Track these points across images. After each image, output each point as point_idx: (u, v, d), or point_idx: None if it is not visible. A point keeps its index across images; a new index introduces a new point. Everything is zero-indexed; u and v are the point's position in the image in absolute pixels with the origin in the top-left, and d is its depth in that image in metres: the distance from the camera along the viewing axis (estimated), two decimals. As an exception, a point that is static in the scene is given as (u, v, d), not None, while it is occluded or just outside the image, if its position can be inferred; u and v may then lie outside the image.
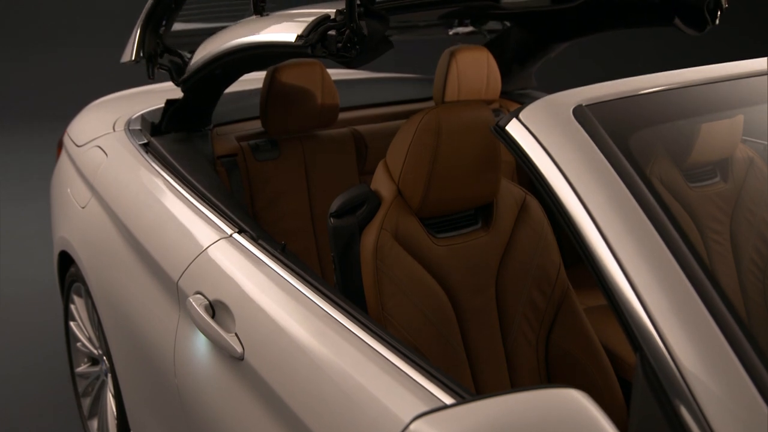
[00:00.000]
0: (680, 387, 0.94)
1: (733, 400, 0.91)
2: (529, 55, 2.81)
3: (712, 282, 0.99)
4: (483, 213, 1.80)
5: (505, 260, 1.77)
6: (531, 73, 2.91)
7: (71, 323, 2.72)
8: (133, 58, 2.30)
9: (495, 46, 2.87)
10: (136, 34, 2.28)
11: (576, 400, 0.89)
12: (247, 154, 2.40)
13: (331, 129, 2.56)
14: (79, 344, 2.68)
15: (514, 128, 1.23)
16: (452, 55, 2.64)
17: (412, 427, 0.92)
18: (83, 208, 2.42)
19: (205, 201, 1.95)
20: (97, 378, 2.63)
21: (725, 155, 1.59)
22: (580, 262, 2.69)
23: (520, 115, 1.23)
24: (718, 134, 1.56)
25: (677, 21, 2.19)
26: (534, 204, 1.84)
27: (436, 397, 1.17)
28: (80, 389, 2.74)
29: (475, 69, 2.65)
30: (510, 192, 1.82)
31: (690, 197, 1.43)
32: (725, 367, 0.93)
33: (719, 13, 2.14)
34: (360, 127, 2.61)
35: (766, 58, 1.40)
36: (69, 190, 2.59)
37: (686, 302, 0.98)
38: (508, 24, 2.90)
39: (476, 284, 1.74)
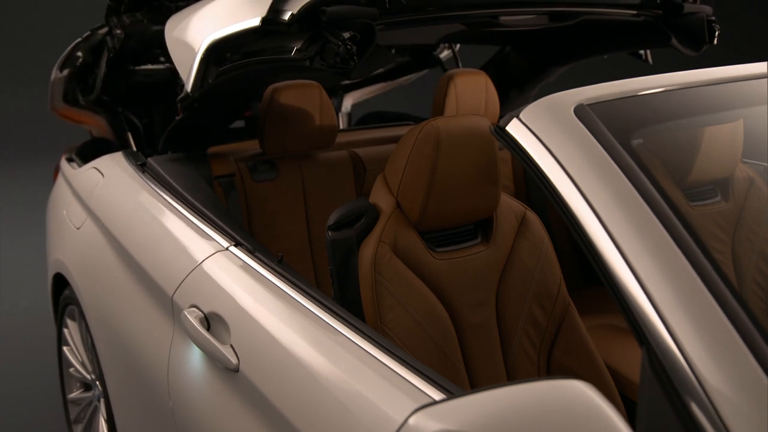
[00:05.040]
0: (689, 380, 0.91)
1: (744, 392, 0.88)
2: (528, 79, 2.82)
3: (719, 274, 0.97)
4: (482, 227, 1.78)
5: (505, 275, 1.75)
6: (530, 98, 2.92)
7: (64, 348, 2.68)
8: (190, 92, 1.99)
9: (493, 70, 2.88)
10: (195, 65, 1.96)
11: (580, 390, 0.86)
12: (244, 174, 2.39)
13: (329, 151, 2.55)
14: (72, 370, 2.64)
15: (514, 128, 1.22)
16: (451, 78, 2.65)
17: (410, 421, 0.88)
18: (78, 229, 2.39)
19: (201, 216, 1.93)
20: (90, 404, 2.58)
21: (725, 174, 1.58)
22: (584, 286, 2.67)
23: (521, 115, 1.22)
24: (719, 152, 1.55)
25: (674, 41, 2.20)
26: (534, 219, 1.82)
27: (433, 399, 1.13)
28: (72, 416, 2.69)
29: (473, 93, 2.66)
30: (510, 207, 1.81)
31: (691, 216, 1.42)
32: (736, 359, 0.90)
33: (716, 32, 2.15)
34: (358, 150, 2.61)
35: (766, 63, 1.40)
36: (64, 212, 2.57)
37: (694, 294, 0.95)
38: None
39: (476, 299, 1.71)
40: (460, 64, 3.38)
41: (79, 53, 2.99)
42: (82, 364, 2.56)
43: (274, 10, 1.71)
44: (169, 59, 3.15)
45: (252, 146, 2.50)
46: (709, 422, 0.88)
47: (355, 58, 1.65)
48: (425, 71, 3.59)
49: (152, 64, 3.21)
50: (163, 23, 2.70)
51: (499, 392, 0.87)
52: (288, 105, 2.34)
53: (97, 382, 2.42)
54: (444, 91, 2.65)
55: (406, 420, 0.90)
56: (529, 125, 1.20)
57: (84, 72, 3.03)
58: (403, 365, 1.23)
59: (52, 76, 3.10)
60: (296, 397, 1.34)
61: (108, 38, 2.91)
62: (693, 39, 2.18)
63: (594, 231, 1.06)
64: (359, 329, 1.36)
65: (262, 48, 1.86)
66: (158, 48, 3.11)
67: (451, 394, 1.13)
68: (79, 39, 3.01)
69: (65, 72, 3.01)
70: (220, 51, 1.92)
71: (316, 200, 2.49)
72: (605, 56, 2.58)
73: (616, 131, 1.16)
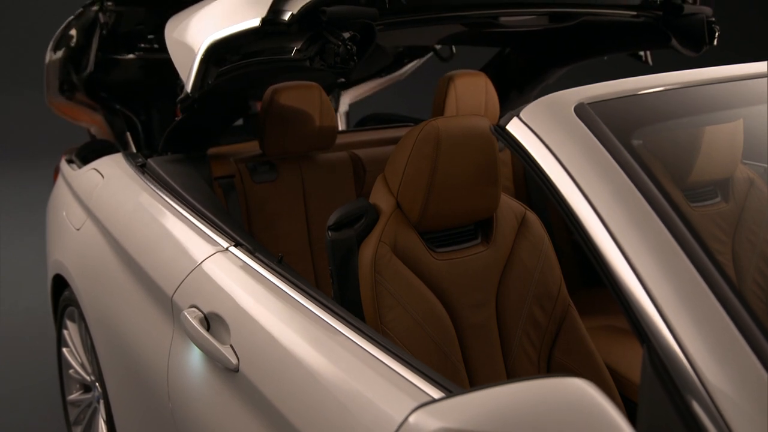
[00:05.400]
0: (691, 378, 0.90)
1: (746, 390, 0.87)
2: (528, 81, 2.82)
3: (720, 272, 0.97)
4: (482, 228, 1.78)
5: (505, 276, 1.75)
6: (530, 99, 2.91)
7: (64, 350, 2.68)
8: (190, 92, 1.98)
9: (493, 72, 2.88)
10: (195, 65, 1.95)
11: (581, 388, 0.86)
12: (244, 175, 2.39)
13: (329, 152, 2.55)
14: (71, 371, 2.63)
15: (514, 127, 1.22)
16: (451, 80, 2.65)
17: (411, 419, 0.88)
18: (78, 230, 2.39)
19: (201, 217, 1.93)
20: (89, 405, 2.57)
21: (725, 175, 1.58)
22: (584, 288, 2.66)
23: (521, 114, 1.22)
24: (719, 153, 1.55)
25: (674, 42, 2.20)
26: (534, 220, 1.82)
27: (433, 398, 1.13)
28: (72, 418, 2.69)
29: (473, 94, 2.66)
30: (510, 207, 1.81)
31: (691, 214, 1.42)
32: (737, 357, 0.90)
33: (716, 33, 2.15)
34: (358, 151, 2.60)
35: (766, 62, 1.40)
36: (64, 213, 2.57)
37: (695, 292, 0.95)
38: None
39: (476, 300, 1.71)
40: (454, 49, 3.37)
41: (72, 32, 2.96)
42: (82, 366, 2.56)
43: (274, 11, 1.71)
44: (163, 45, 3.14)
45: (252, 147, 2.50)
46: (711, 421, 0.88)
47: (355, 58, 1.65)
48: (421, 63, 3.57)
49: (146, 53, 3.18)
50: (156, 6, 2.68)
51: (500, 390, 0.87)
52: (288, 106, 2.34)
53: (97, 384, 2.41)
54: (444, 93, 2.65)
55: (406, 418, 0.90)
56: (529, 124, 1.20)
57: (78, 55, 3.00)
58: (402, 364, 1.23)
59: (47, 59, 3.06)
60: (296, 397, 1.34)
61: (100, 14, 2.89)
62: (693, 40, 2.18)
63: (594, 229, 1.06)
64: (359, 329, 1.36)
65: (262, 48, 1.85)
66: (151, 33, 3.09)
67: (450, 393, 1.13)
68: (72, 17, 2.99)
69: (59, 53, 2.98)
70: (220, 51, 1.92)
71: (316, 201, 2.49)
72: (605, 57, 2.58)
73: (616, 130, 1.16)
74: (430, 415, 0.86)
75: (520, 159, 1.20)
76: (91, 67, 2.97)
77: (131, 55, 3.15)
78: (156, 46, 3.18)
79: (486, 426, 0.83)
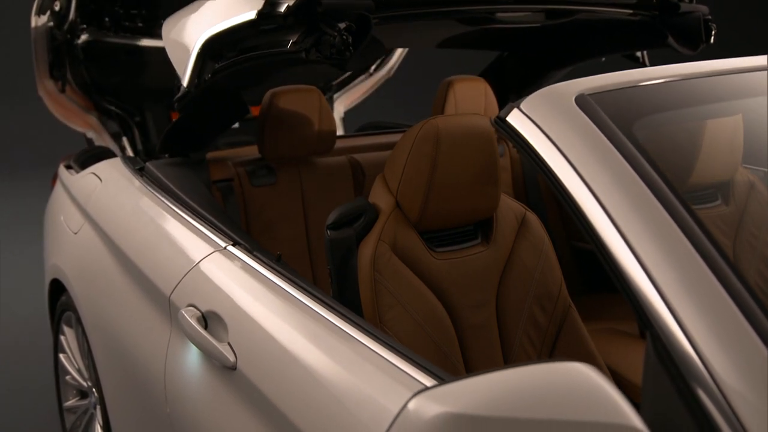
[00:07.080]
0: (695, 365, 0.89)
1: (752, 375, 0.86)
2: (527, 85, 2.82)
3: (723, 257, 0.96)
4: (482, 228, 1.77)
5: (505, 276, 1.74)
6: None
7: (61, 356, 2.66)
8: (186, 86, 1.98)
9: (492, 76, 2.88)
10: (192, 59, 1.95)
11: (581, 371, 0.85)
12: (243, 179, 2.38)
13: (328, 156, 2.54)
14: (68, 377, 2.61)
15: (515, 118, 1.21)
16: (450, 85, 2.65)
17: (410, 405, 0.87)
18: (76, 233, 2.38)
19: (199, 217, 1.92)
20: (85, 412, 2.55)
21: (726, 177, 1.57)
22: (584, 294, 2.65)
23: (521, 105, 1.22)
24: (719, 155, 1.55)
25: (671, 40, 2.20)
26: (534, 220, 1.81)
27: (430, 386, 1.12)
28: (68, 425, 2.66)
29: (472, 99, 2.66)
30: (510, 207, 1.80)
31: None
32: (742, 341, 0.88)
33: (713, 31, 2.15)
34: (357, 155, 2.60)
35: (766, 56, 1.39)
36: (62, 217, 2.56)
37: (698, 277, 0.94)
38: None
39: (476, 300, 1.69)
40: None
41: None
42: (79, 371, 2.54)
43: (270, 3, 1.71)
44: (149, 25, 3.09)
45: (251, 151, 2.50)
46: (717, 409, 0.87)
47: (351, 48, 1.64)
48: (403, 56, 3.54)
49: (133, 36, 3.15)
50: None
51: (500, 374, 0.85)
52: (287, 110, 2.33)
53: (94, 389, 2.39)
54: (443, 98, 2.65)
55: (405, 404, 0.88)
56: (530, 115, 1.20)
57: (63, 21, 2.94)
58: (400, 356, 1.21)
59: (32, 23, 2.97)
60: (294, 394, 1.32)
61: None
62: (690, 38, 2.18)
63: (597, 218, 1.05)
64: (356, 323, 1.35)
65: (258, 42, 1.85)
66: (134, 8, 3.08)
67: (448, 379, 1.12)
68: None
69: (44, 17, 2.91)
70: (216, 46, 1.91)
71: (315, 205, 2.48)
72: (603, 59, 2.58)
73: (617, 120, 1.15)
74: (430, 401, 0.85)
75: (520, 150, 1.20)
76: (72, 15, 2.91)
77: (117, 39, 3.11)
78: (140, 24, 3.15)
79: (487, 410, 0.81)
